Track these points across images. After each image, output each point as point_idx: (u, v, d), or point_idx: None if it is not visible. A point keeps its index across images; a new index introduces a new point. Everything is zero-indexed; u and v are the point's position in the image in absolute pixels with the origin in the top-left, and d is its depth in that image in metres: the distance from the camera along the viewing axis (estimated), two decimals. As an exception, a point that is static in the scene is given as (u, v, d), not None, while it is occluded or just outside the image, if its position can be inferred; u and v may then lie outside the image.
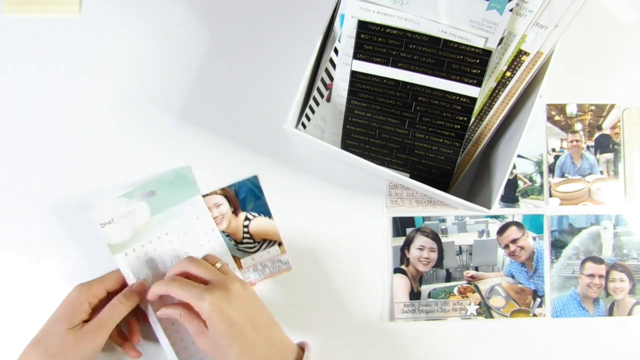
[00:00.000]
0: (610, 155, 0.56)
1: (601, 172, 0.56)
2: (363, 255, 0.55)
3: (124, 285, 0.51)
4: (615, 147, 0.56)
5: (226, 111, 0.56)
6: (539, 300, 0.55)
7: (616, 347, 0.55)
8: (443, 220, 0.55)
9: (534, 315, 0.55)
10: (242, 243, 0.55)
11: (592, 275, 0.55)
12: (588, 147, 0.56)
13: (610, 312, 0.55)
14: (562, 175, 0.56)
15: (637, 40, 0.57)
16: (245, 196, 0.55)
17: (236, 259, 0.54)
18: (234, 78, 0.56)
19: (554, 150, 0.56)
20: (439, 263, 0.55)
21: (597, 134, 0.56)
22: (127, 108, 0.56)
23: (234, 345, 0.43)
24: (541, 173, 0.56)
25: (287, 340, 0.47)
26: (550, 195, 0.56)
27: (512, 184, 0.55)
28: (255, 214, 0.55)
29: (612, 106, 0.56)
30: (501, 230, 0.55)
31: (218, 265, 0.49)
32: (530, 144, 0.56)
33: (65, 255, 0.54)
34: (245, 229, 0.55)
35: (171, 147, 0.55)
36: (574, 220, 0.55)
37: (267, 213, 0.55)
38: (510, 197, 0.55)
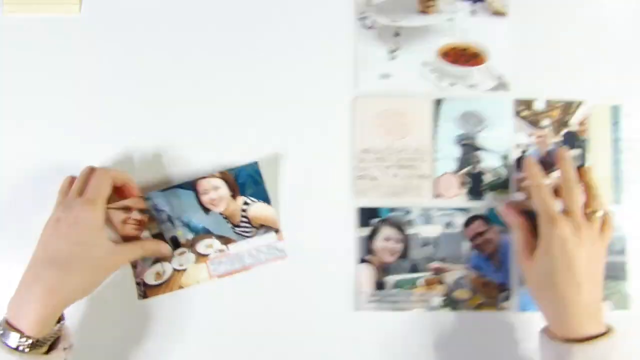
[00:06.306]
0: (577, 152, 0.56)
1: (568, 168, 0.56)
2: (328, 245, 0.56)
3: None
4: (582, 143, 0.56)
5: (226, 101, 0.57)
6: (505, 293, 0.55)
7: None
8: (409, 212, 0.56)
9: (500, 308, 0.55)
10: (239, 226, 0.55)
11: (558, 270, 0.55)
12: (555, 143, 0.56)
13: (576, 308, 0.54)
14: (529, 171, 0.56)
15: (605, 38, 0.58)
16: (245, 181, 0.55)
17: (230, 241, 0.55)
18: (234, 74, 0.57)
19: (520, 145, 0.56)
20: (405, 254, 0.56)
21: (564, 130, 0.56)
22: (128, 107, 0.57)
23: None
24: (507, 167, 0.56)
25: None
26: (517, 190, 0.56)
27: (477, 178, 0.56)
28: (255, 200, 0.55)
29: (579, 103, 0.56)
30: (467, 223, 0.56)
31: (599, 213, 0.50)
32: (496, 138, 0.56)
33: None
34: (244, 213, 0.55)
35: (168, 137, 0.56)
36: (540, 214, 0.56)
37: (266, 199, 0.55)
38: (476, 190, 0.56)
